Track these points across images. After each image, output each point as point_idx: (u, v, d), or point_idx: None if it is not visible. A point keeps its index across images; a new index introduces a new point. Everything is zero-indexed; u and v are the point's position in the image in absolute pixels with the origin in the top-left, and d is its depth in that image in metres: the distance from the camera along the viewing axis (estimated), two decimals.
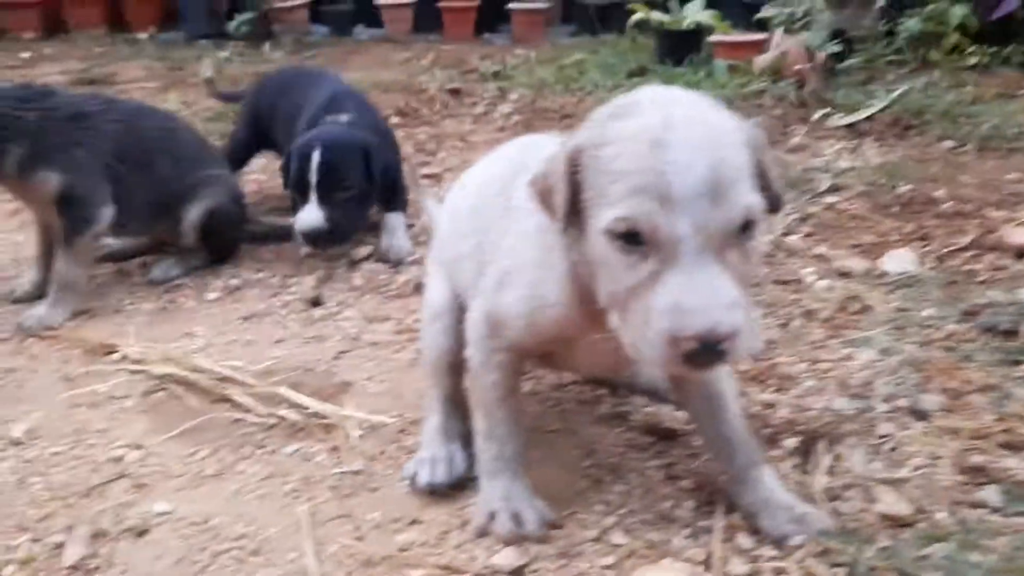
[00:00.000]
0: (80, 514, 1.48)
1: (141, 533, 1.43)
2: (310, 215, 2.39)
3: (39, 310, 2.19)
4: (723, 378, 1.40)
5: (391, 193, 2.69)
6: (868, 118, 3.56)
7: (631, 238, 1.04)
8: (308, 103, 2.82)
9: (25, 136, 2.17)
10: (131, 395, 1.85)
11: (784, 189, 1.19)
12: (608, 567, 1.30)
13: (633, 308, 1.06)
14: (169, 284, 2.41)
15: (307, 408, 1.75)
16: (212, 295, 2.36)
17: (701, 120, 1.06)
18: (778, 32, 4.48)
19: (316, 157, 2.40)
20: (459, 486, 1.49)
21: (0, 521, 1.47)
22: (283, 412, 1.74)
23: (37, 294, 2.31)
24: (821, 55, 4.17)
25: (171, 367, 1.91)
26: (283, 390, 1.81)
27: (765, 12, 4.69)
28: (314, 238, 2.40)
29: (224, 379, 1.87)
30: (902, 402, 1.68)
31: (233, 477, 1.57)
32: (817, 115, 3.66)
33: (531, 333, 1.31)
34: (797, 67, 4.12)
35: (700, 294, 1.01)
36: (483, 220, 1.44)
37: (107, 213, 2.28)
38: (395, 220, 2.64)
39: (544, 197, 1.17)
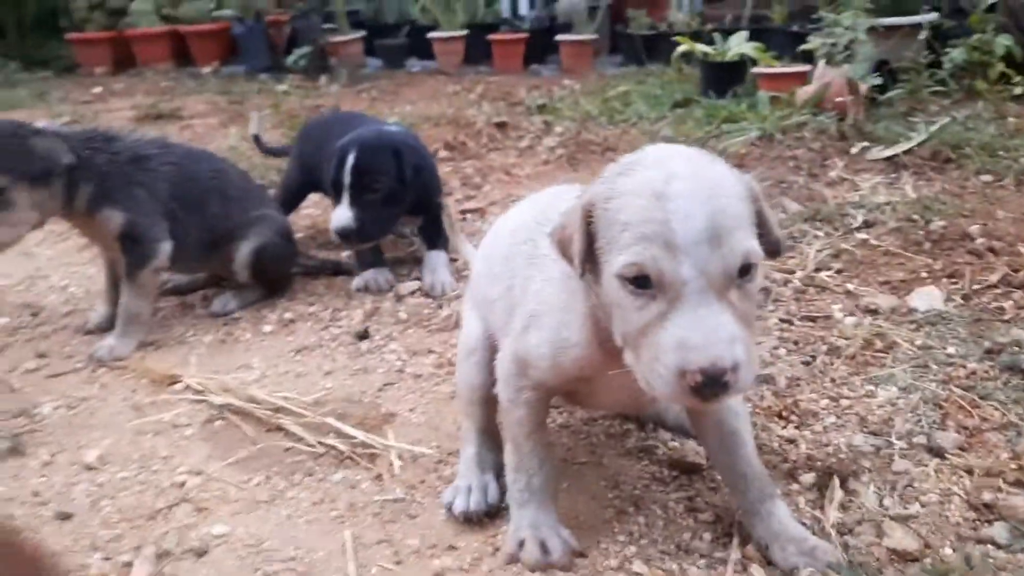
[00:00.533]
0: (146, 535, 1.62)
1: (201, 554, 1.56)
2: (341, 214, 2.59)
3: (109, 341, 2.36)
4: (739, 416, 1.49)
5: (434, 232, 2.84)
6: (907, 151, 3.60)
7: (640, 281, 1.15)
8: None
9: (94, 176, 2.35)
10: (193, 423, 2.01)
11: (783, 235, 1.29)
12: None
13: (644, 345, 1.16)
14: (228, 317, 2.58)
15: (353, 438, 1.87)
16: (267, 328, 2.51)
17: (700, 174, 1.17)
18: (821, 63, 4.53)
19: (350, 160, 2.59)
20: (493, 514, 1.60)
21: (75, 541, 1.62)
22: (331, 441, 1.87)
23: (107, 326, 2.48)
24: (863, 87, 4.21)
25: (229, 397, 2.06)
26: (332, 420, 1.94)
27: (809, 43, 4.74)
28: (345, 236, 2.60)
29: (278, 409, 2.01)
30: (919, 439, 1.75)
31: (285, 502, 1.71)
32: (857, 148, 3.71)
33: (555, 372, 1.42)
34: (839, 99, 4.17)
35: (703, 331, 1.11)
36: (512, 266, 1.55)
37: (166, 248, 2.45)
38: (437, 257, 2.79)
39: (563, 246, 1.29)
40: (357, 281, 2.74)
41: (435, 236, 2.85)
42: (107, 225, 2.40)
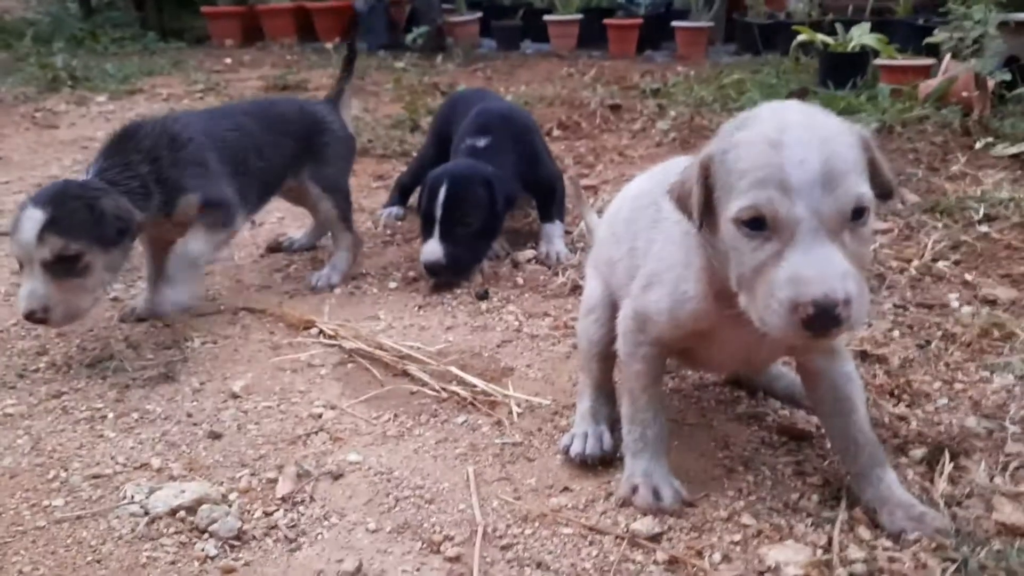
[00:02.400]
0: (288, 457, 1.78)
1: (337, 477, 1.71)
2: (431, 249, 2.57)
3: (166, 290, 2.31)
4: (853, 382, 1.54)
5: (548, 204, 2.92)
6: None
7: (756, 223, 1.22)
8: (462, 123, 3.04)
9: (158, 187, 2.27)
10: (326, 364, 2.16)
11: (895, 181, 1.34)
12: (735, 543, 1.47)
13: (759, 284, 1.24)
14: (356, 272, 2.73)
15: (475, 386, 2.00)
16: (392, 284, 2.66)
17: (813, 123, 1.24)
18: (947, 57, 4.43)
19: (442, 193, 2.58)
20: (605, 462, 1.70)
21: (225, 457, 1.79)
22: (454, 388, 2.00)
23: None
24: (991, 82, 4.10)
25: (359, 343, 2.21)
26: (455, 369, 2.07)
27: (935, 37, 4.63)
28: (435, 270, 2.58)
29: (404, 356, 2.15)
30: None
31: (412, 439, 1.84)
32: (980, 143, 3.63)
33: (672, 326, 1.50)
34: (964, 94, 4.08)
35: (817, 266, 1.18)
36: (635, 229, 1.63)
37: (240, 217, 2.45)
38: (552, 229, 2.88)
39: (682, 201, 1.38)
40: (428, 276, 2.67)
41: (549, 209, 2.93)
42: (186, 214, 2.33)
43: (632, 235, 1.65)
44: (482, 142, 2.84)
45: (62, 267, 2.07)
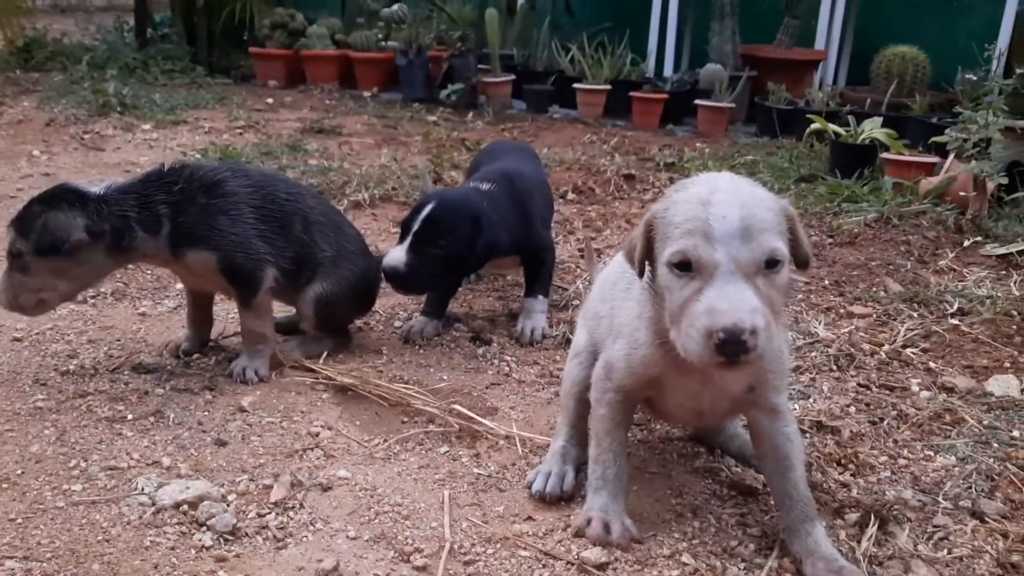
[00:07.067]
0: (284, 468, 1.97)
1: (326, 489, 1.90)
2: (395, 256, 2.51)
3: (243, 362, 2.41)
4: (793, 443, 1.72)
5: (531, 278, 2.89)
6: (1022, 252, 3.68)
7: (684, 266, 1.47)
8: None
9: (162, 219, 2.27)
10: (328, 389, 2.36)
11: (811, 251, 1.59)
12: None
13: (683, 317, 1.46)
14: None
15: (460, 421, 2.19)
16: (397, 323, 2.87)
17: (739, 189, 1.49)
18: (951, 157, 4.63)
19: (427, 209, 2.54)
20: (567, 499, 1.88)
21: (229, 463, 1.99)
22: (441, 421, 2.19)
23: (198, 348, 2.59)
24: (990, 184, 4.28)
25: (361, 373, 2.41)
26: (444, 404, 2.26)
27: (945, 136, 4.83)
28: (389, 276, 2.52)
29: (400, 389, 2.34)
30: (965, 503, 1.92)
31: (397, 462, 2.03)
32: (969, 241, 3.81)
33: (629, 372, 1.72)
34: (962, 193, 4.27)
35: (729, 301, 1.41)
36: (615, 291, 1.85)
37: (270, 273, 2.41)
38: (534, 304, 2.83)
39: (629, 255, 1.64)
40: (405, 325, 2.80)
41: (532, 282, 2.88)
42: (202, 266, 2.33)
43: (612, 296, 1.87)
44: (485, 187, 2.79)
45: (15, 262, 2.23)
